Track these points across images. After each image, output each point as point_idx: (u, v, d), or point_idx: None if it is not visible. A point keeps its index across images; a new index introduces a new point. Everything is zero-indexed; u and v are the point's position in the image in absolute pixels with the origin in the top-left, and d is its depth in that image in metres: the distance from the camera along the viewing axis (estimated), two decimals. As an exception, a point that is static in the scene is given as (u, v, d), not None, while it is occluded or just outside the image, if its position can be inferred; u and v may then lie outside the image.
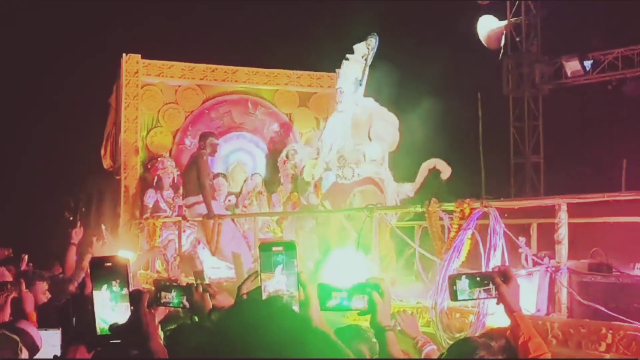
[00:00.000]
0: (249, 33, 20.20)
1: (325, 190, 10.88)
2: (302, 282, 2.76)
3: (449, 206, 7.47)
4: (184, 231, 13.39)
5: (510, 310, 3.38)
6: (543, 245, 8.47)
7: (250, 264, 11.15)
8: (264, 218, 14.44)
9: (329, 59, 16.27)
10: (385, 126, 10.76)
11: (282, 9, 19.41)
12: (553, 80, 19.91)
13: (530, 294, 6.49)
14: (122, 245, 12.69)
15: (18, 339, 3.70)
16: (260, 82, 16.54)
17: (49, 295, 7.37)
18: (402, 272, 9.81)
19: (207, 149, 13.40)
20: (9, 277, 7.48)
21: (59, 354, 3.18)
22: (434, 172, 10.87)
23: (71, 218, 18.70)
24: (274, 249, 2.78)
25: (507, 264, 6.57)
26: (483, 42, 20.20)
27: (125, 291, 2.66)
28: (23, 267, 9.00)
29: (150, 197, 14.99)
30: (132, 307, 2.65)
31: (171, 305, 4.27)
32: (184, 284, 4.38)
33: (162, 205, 15.00)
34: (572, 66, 18.89)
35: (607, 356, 5.57)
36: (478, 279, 3.40)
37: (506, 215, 7.16)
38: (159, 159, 15.31)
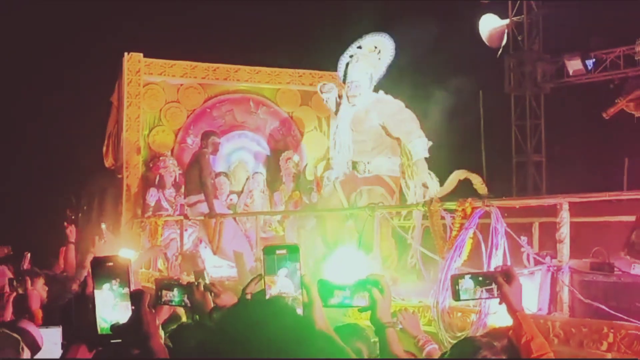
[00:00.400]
0: (251, 32, 20.19)
1: (343, 178, 10.80)
2: (305, 284, 2.77)
3: (451, 205, 7.47)
4: (186, 230, 13.39)
5: (513, 310, 3.38)
6: (545, 245, 8.47)
7: (252, 262, 11.14)
8: (265, 217, 14.43)
9: (331, 58, 16.26)
10: (398, 118, 10.66)
11: (283, 8, 19.40)
12: (555, 79, 19.90)
13: (531, 293, 6.48)
14: (123, 244, 12.70)
15: (19, 338, 3.71)
16: (262, 81, 16.54)
17: (46, 288, 7.37)
18: (404, 271, 9.79)
19: (209, 147, 13.41)
20: (9, 275, 7.48)
21: (60, 352, 3.17)
22: (466, 183, 10.73)
23: (73, 216, 18.71)
24: (277, 252, 2.79)
25: (508, 263, 6.57)
26: (485, 40, 20.19)
27: (126, 290, 2.67)
28: (26, 265, 9.00)
29: (152, 195, 14.99)
30: (133, 307, 2.66)
31: (172, 303, 4.28)
32: (185, 283, 4.39)
33: (164, 204, 15.00)
34: (574, 65, 18.87)
35: (609, 355, 5.56)
36: (480, 278, 3.40)
37: (506, 214, 7.16)
38: (160, 157, 15.31)
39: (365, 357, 4.41)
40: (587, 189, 7.02)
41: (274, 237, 14.07)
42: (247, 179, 15.90)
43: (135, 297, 2.66)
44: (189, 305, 4.25)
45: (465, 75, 16.91)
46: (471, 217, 7.10)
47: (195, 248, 13.44)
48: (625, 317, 5.69)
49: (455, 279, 3.39)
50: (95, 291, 2.67)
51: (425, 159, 10.57)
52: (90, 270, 2.70)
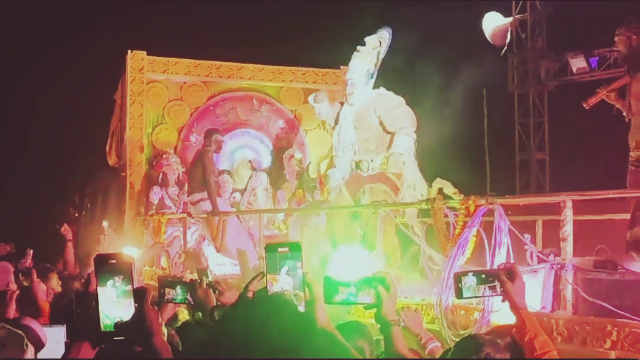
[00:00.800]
0: (254, 30, 20.17)
1: (346, 179, 10.83)
2: (307, 282, 2.77)
3: (454, 203, 7.47)
4: (189, 228, 13.40)
5: (516, 308, 3.37)
6: (548, 242, 8.46)
7: (255, 260, 11.14)
8: (269, 214, 14.43)
9: (334, 56, 16.27)
10: (395, 113, 10.69)
11: (287, 5, 19.37)
12: (558, 77, 19.85)
13: (535, 291, 6.48)
14: (127, 242, 12.71)
15: (23, 335, 3.71)
16: (265, 79, 16.56)
17: (60, 282, 7.39)
18: (407, 269, 9.79)
19: (212, 145, 13.41)
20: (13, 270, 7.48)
21: (63, 350, 3.18)
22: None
23: (76, 214, 18.72)
24: (279, 250, 2.79)
25: (512, 261, 6.57)
26: (488, 38, 20.14)
27: (129, 288, 2.67)
28: (28, 262, 9.02)
29: (156, 193, 15.00)
30: (136, 304, 2.66)
31: (175, 301, 4.28)
32: (188, 281, 4.39)
33: (167, 202, 15.01)
34: (577, 63, 18.83)
35: (612, 353, 5.56)
36: (483, 276, 3.40)
37: (510, 212, 7.16)
38: (164, 155, 15.32)
39: (368, 355, 4.41)
40: (590, 187, 7.00)
41: (277, 234, 14.07)
42: (250, 177, 15.89)
43: (138, 295, 2.66)
44: (192, 302, 4.24)
45: (468, 73, 16.91)
46: (474, 215, 7.10)
47: (198, 246, 13.43)
48: (629, 315, 5.69)
49: (458, 277, 3.39)
50: (99, 288, 2.67)
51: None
52: (93, 267, 2.69)
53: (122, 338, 2.66)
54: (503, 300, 3.41)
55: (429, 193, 10.41)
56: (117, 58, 16.06)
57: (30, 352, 3.69)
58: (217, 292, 4.29)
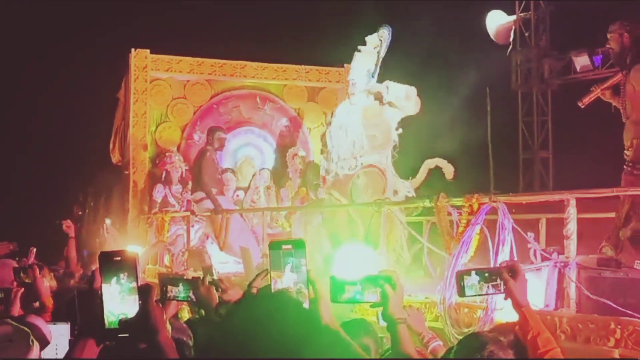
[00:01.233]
0: (258, 28, 20.20)
1: (333, 181, 10.85)
2: (311, 279, 2.77)
3: (458, 201, 7.47)
4: (192, 226, 13.39)
5: (519, 306, 3.37)
6: (551, 241, 8.46)
7: (259, 258, 11.16)
8: (272, 213, 14.44)
9: (337, 54, 16.26)
10: (400, 95, 10.69)
11: (290, 4, 19.38)
12: (562, 76, 19.82)
13: (538, 289, 6.48)
14: (130, 240, 12.71)
15: (29, 331, 3.72)
16: (268, 77, 16.55)
17: (54, 282, 7.38)
18: (411, 267, 9.79)
19: (215, 143, 13.44)
20: (15, 265, 7.48)
21: (67, 348, 3.18)
22: (438, 173, 10.80)
23: (80, 213, 18.74)
24: (283, 247, 2.78)
25: (515, 259, 6.57)
26: (492, 37, 20.12)
27: (134, 285, 2.67)
28: (31, 260, 9.02)
29: (159, 192, 15.01)
30: (140, 301, 2.66)
31: (178, 299, 4.27)
32: (190, 278, 4.39)
33: (171, 200, 15.01)
34: (581, 61, 18.80)
35: (616, 352, 5.56)
36: (486, 274, 3.40)
37: (514, 210, 7.16)
38: (167, 154, 15.32)
39: (373, 352, 4.41)
40: (594, 185, 6.99)
41: (280, 233, 14.07)
42: (253, 175, 15.89)
43: (143, 292, 2.67)
44: (194, 300, 4.24)
45: (472, 72, 16.89)
46: (478, 213, 7.10)
47: (202, 244, 13.44)
48: (633, 313, 5.69)
49: (461, 276, 3.39)
50: (103, 285, 2.67)
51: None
52: (98, 264, 2.70)
53: (127, 335, 2.67)
54: (505, 298, 3.41)
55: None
56: (121, 56, 16.08)
57: (35, 348, 3.70)
58: (220, 289, 4.29)
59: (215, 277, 4.57)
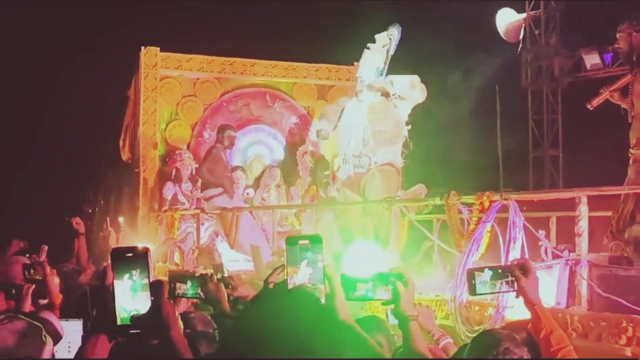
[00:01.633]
0: (267, 26, 20.19)
1: (345, 179, 10.84)
2: (327, 275, 2.76)
3: (469, 199, 7.46)
4: (202, 224, 13.41)
5: (531, 303, 3.36)
6: (562, 239, 8.44)
7: (269, 256, 11.16)
8: (282, 210, 14.44)
9: (347, 52, 16.24)
10: (405, 85, 10.66)
11: (300, 2, 19.38)
12: (572, 74, 19.79)
13: (550, 286, 6.47)
14: (141, 238, 12.73)
15: (42, 327, 3.72)
16: (278, 75, 16.54)
17: (58, 279, 7.39)
18: (421, 265, 9.78)
19: (225, 141, 13.46)
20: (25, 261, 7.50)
21: (79, 344, 3.19)
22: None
23: (90, 210, 18.77)
24: (300, 242, 2.77)
25: (526, 257, 6.56)
26: (502, 35, 20.10)
27: (146, 281, 2.67)
28: (42, 258, 9.04)
29: (169, 189, 15.02)
30: (152, 298, 2.66)
31: (187, 295, 4.27)
32: (198, 275, 4.39)
33: (181, 197, 15.03)
34: (591, 59, 18.77)
35: (628, 350, 5.54)
36: (498, 272, 3.39)
37: (525, 208, 7.14)
38: (177, 152, 15.33)
39: (385, 349, 4.40)
40: (604, 183, 6.97)
41: (290, 231, 14.07)
42: (262, 173, 15.90)
43: (155, 288, 2.67)
44: (202, 297, 4.24)
45: (481, 70, 16.87)
46: (489, 210, 7.08)
47: (212, 242, 13.45)
48: (645, 311, 5.68)
49: (472, 274, 3.38)
50: (115, 282, 2.67)
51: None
52: (110, 260, 2.70)
53: (139, 331, 2.67)
54: (517, 296, 3.40)
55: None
56: (131, 54, 16.09)
57: (49, 344, 3.70)
58: (230, 287, 4.29)
59: (225, 274, 4.56)
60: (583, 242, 6.40)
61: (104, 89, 18.74)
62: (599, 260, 6.66)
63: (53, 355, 3.78)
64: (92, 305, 2.87)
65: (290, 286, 2.71)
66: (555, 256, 6.88)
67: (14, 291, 5.78)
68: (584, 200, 6.40)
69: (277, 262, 10.43)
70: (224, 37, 18.00)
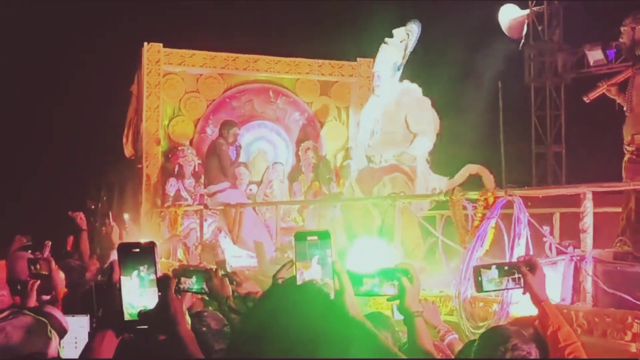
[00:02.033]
0: (270, 22, 20.18)
1: (358, 175, 10.81)
2: (336, 271, 2.75)
3: (473, 195, 7.45)
4: (206, 220, 13.42)
5: (538, 300, 3.36)
6: (565, 235, 8.43)
7: (272, 252, 11.15)
8: (285, 207, 14.44)
9: (350, 48, 16.24)
10: (421, 115, 10.62)
11: (303, -2, 19.39)
12: (575, 70, 19.78)
13: (554, 283, 6.46)
14: (144, 234, 12.72)
15: (47, 322, 3.72)
16: (281, 71, 16.52)
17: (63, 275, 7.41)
18: (426, 261, 9.76)
19: (230, 138, 13.45)
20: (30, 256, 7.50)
21: (86, 339, 3.18)
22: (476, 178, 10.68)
23: (93, 207, 18.77)
24: (308, 238, 2.76)
25: (531, 252, 6.55)
26: (505, 31, 20.07)
27: (153, 276, 2.66)
28: (46, 254, 9.05)
29: (172, 185, 15.03)
30: (159, 293, 2.65)
31: (192, 290, 4.25)
32: (203, 269, 4.37)
33: (184, 194, 15.03)
34: (594, 55, 18.75)
35: (633, 346, 5.53)
36: (504, 268, 3.39)
37: (530, 203, 7.13)
38: (180, 147, 15.33)
39: (391, 346, 4.39)
40: (606, 180, 6.97)
41: (293, 227, 14.08)
42: (266, 169, 15.91)
43: (162, 283, 2.66)
44: (207, 292, 4.23)
45: (485, 66, 16.86)
46: (493, 206, 7.07)
47: (215, 238, 13.45)
48: (650, 307, 5.67)
49: (478, 270, 3.37)
50: (122, 277, 2.66)
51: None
52: (117, 256, 2.69)
53: (146, 327, 2.66)
54: (524, 293, 3.40)
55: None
56: (134, 50, 16.07)
57: (55, 339, 3.69)
58: (234, 283, 4.27)
59: (228, 270, 4.55)
60: (588, 238, 6.39)
61: (107, 85, 18.74)
62: (604, 256, 6.65)
63: (58, 350, 3.78)
64: (98, 301, 2.86)
65: (299, 282, 2.70)
66: (560, 252, 6.87)
67: (19, 287, 5.79)
68: (589, 196, 6.38)
69: (280, 258, 10.44)
70: (227, 33, 18.00)
